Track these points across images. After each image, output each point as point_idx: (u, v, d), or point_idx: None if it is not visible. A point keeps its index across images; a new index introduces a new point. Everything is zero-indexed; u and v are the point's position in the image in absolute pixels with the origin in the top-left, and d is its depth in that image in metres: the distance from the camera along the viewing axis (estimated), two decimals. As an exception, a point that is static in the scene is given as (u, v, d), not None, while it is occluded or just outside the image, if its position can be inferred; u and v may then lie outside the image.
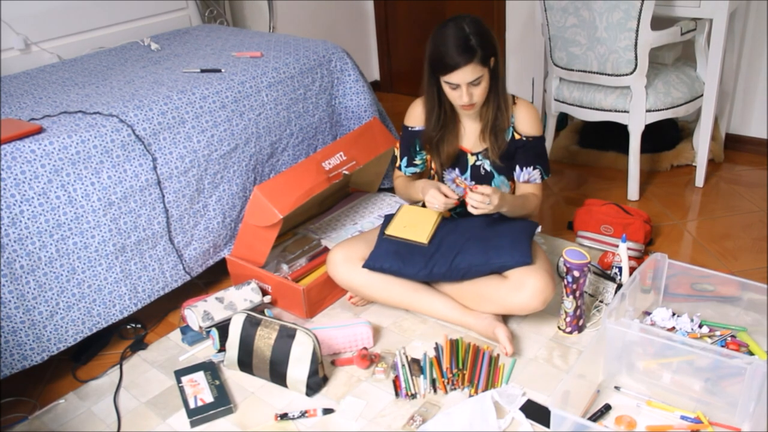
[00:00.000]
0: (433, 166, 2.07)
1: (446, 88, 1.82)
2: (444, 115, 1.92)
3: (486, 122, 1.90)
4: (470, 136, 1.97)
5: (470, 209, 1.79)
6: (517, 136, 1.94)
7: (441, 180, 2.06)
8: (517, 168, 1.98)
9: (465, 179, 2.00)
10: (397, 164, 2.15)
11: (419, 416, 1.62)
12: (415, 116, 2.01)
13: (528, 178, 1.97)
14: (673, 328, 1.80)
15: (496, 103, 1.87)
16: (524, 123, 1.93)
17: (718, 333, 1.78)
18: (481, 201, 1.76)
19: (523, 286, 1.78)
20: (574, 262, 1.79)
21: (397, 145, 2.15)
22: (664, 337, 1.59)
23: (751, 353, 1.70)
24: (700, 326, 1.80)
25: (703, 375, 1.57)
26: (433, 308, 1.95)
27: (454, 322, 1.94)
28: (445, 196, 1.85)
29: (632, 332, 1.63)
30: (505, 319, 1.92)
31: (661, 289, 1.91)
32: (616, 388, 1.66)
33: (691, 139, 2.85)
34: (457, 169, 2.01)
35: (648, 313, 1.87)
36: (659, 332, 1.63)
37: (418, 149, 2.06)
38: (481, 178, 1.99)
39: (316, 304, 2.07)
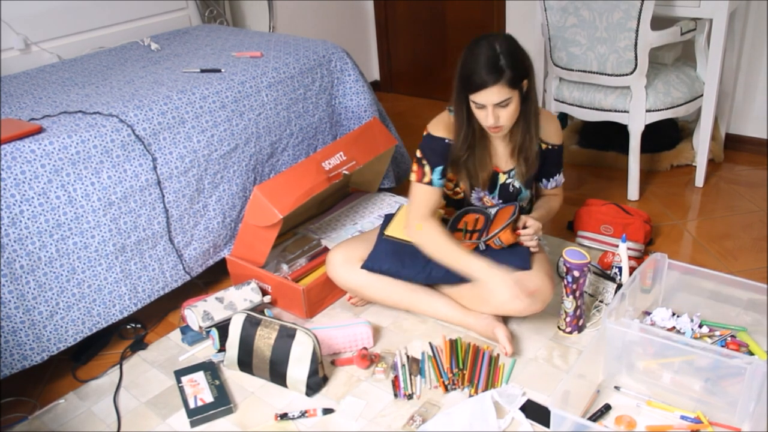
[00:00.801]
0: (461, 186, 1.95)
1: (473, 107, 1.74)
2: (472, 135, 1.82)
3: (515, 145, 1.85)
4: (500, 154, 1.91)
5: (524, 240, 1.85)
6: (543, 146, 1.93)
7: (468, 198, 1.96)
8: (544, 180, 2.01)
9: (493, 198, 1.96)
10: (426, 179, 1.84)
11: (419, 416, 1.62)
12: (447, 127, 1.85)
13: (555, 185, 2.02)
14: (673, 327, 1.80)
15: (526, 126, 1.81)
16: (550, 134, 1.92)
17: (717, 333, 1.78)
18: (533, 240, 1.84)
19: (522, 287, 1.78)
20: (574, 262, 1.79)
21: (414, 163, 1.88)
22: (664, 337, 1.59)
23: (751, 353, 1.70)
24: (700, 326, 1.80)
25: (703, 375, 1.57)
26: (432, 309, 1.94)
27: (453, 323, 1.94)
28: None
29: (632, 332, 1.63)
30: (505, 319, 1.92)
31: (661, 289, 1.91)
32: (616, 388, 1.66)
33: (691, 139, 2.85)
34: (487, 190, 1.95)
35: (648, 313, 1.87)
36: (659, 332, 1.63)
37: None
38: (509, 195, 1.94)
39: (316, 304, 2.07)
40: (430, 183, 1.86)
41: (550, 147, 1.94)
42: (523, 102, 1.75)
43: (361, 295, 2.03)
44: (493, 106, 1.69)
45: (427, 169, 1.86)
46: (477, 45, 1.69)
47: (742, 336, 1.76)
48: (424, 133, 1.89)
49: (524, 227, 1.84)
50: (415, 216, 1.87)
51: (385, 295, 1.96)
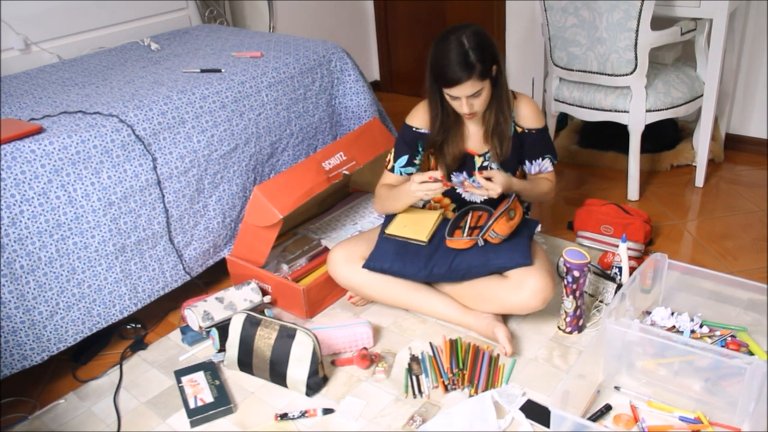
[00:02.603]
0: (440, 170, 2.01)
1: (447, 97, 1.82)
2: (447, 119, 1.91)
3: (488, 127, 1.90)
4: (474, 137, 1.96)
5: (481, 192, 1.83)
6: (519, 130, 1.94)
7: (451, 185, 2.01)
8: (527, 163, 2.00)
9: (473, 181, 1.98)
10: (389, 166, 2.04)
11: (419, 416, 1.62)
12: (421, 118, 1.96)
13: (539, 170, 2.01)
14: (673, 327, 1.80)
15: (499, 108, 1.86)
16: (526, 118, 1.94)
17: (718, 333, 1.78)
18: (486, 187, 1.81)
19: (523, 285, 1.78)
20: (574, 262, 1.79)
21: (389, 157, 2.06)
22: (663, 337, 1.59)
23: (751, 353, 1.70)
24: (701, 326, 1.80)
25: (703, 375, 1.57)
26: (433, 308, 1.95)
27: (454, 322, 1.94)
28: (429, 180, 1.84)
29: (632, 332, 1.63)
30: (505, 318, 1.92)
31: (661, 289, 1.91)
32: (616, 388, 1.66)
33: (691, 139, 2.85)
34: (464, 173, 1.98)
35: (648, 313, 1.87)
36: (659, 332, 1.63)
37: (420, 150, 2.02)
38: None
39: (316, 304, 2.07)
40: (392, 170, 2.04)
41: (526, 131, 1.94)
42: (494, 86, 1.81)
43: (361, 294, 2.03)
44: (467, 97, 1.76)
45: (391, 156, 2.04)
46: (446, 41, 1.75)
47: (742, 336, 1.76)
48: (405, 122, 2.01)
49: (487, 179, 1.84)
50: (381, 181, 2.09)
51: (386, 294, 1.96)
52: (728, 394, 1.53)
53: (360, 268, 1.94)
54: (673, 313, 1.84)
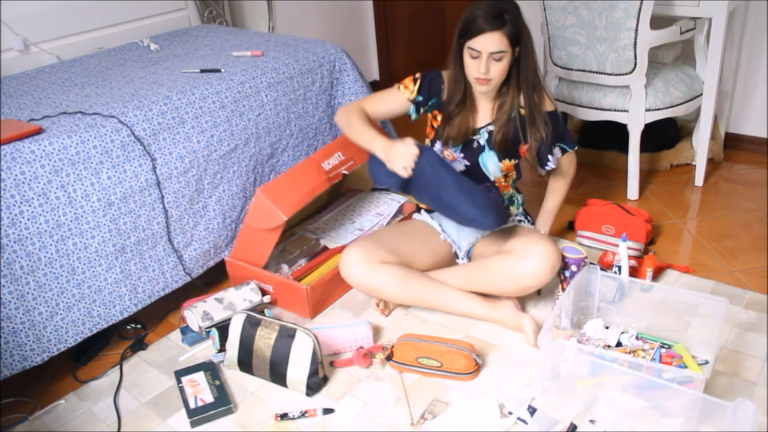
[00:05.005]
0: (429, 133, 2.02)
1: (466, 58, 1.78)
2: (465, 92, 1.88)
3: (502, 104, 1.88)
4: (481, 114, 1.94)
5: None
6: (523, 112, 1.89)
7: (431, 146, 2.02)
8: (549, 160, 1.98)
9: (455, 151, 1.96)
10: (412, 96, 1.95)
11: (429, 414, 1.62)
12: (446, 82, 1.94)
13: (557, 162, 1.99)
14: (608, 346, 1.76)
15: (522, 91, 1.84)
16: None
17: (656, 344, 1.73)
18: None
19: (529, 253, 1.78)
20: (572, 257, 1.79)
21: (408, 83, 1.97)
22: (597, 356, 1.56)
23: (684, 366, 1.65)
24: (636, 338, 1.76)
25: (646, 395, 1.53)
26: (456, 304, 1.92)
27: (477, 317, 1.93)
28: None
29: (569, 352, 1.61)
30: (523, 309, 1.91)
31: (595, 299, 1.87)
32: (591, 421, 1.59)
33: (691, 138, 2.85)
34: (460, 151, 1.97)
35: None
36: (593, 351, 1.58)
37: (430, 104, 1.97)
38: (471, 150, 1.94)
39: (319, 304, 2.07)
40: (412, 100, 1.96)
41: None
42: (516, 62, 1.80)
43: (382, 296, 1.97)
44: (489, 54, 1.73)
45: (415, 87, 1.95)
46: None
47: (678, 349, 1.72)
48: (441, 71, 1.96)
49: None
50: (364, 104, 2.01)
51: (407, 294, 1.92)
52: (664, 407, 1.50)
53: (377, 270, 1.88)
54: (608, 327, 1.80)
